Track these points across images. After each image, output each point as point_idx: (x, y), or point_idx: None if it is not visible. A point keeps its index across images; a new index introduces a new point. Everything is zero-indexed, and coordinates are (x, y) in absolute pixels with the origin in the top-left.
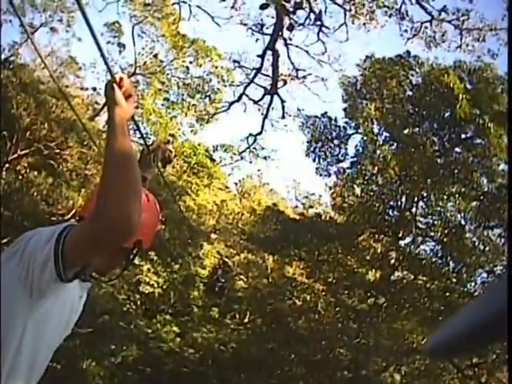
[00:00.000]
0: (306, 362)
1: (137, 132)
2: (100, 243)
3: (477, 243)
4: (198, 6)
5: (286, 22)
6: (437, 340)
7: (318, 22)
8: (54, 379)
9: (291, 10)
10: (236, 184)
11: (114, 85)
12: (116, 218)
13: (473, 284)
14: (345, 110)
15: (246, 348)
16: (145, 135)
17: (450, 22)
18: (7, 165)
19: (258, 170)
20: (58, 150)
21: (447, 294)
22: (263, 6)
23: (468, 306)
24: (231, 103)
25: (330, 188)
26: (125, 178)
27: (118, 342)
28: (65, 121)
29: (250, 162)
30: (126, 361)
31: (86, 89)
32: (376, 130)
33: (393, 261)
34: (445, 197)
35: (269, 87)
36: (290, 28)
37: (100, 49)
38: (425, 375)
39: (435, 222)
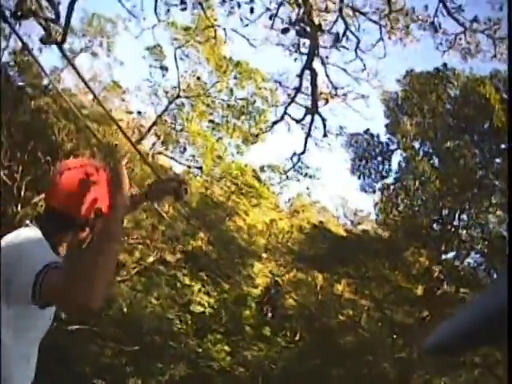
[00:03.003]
0: (354, 376)
1: (183, 154)
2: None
3: None
4: (233, 30)
5: (322, 40)
6: (437, 337)
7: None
8: None
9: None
10: (286, 202)
11: (123, 169)
12: (81, 303)
13: None
14: (387, 126)
15: (296, 365)
16: (191, 158)
17: (482, 31)
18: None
19: (307, 188)
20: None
21: None
22: (284, 31)
23: (468, 305)
24: (274, 123)
25: (376, 204)
26: (105, 269)
27: (166, 361)
28: (106, 145)
29: (298, 181)
30: (173, 379)
31: (131, 112)
32: (417, 145)
33: (436, 274)
34: (485, 209)
35: (310, 106)
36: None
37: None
38: None
39: (477, 235)
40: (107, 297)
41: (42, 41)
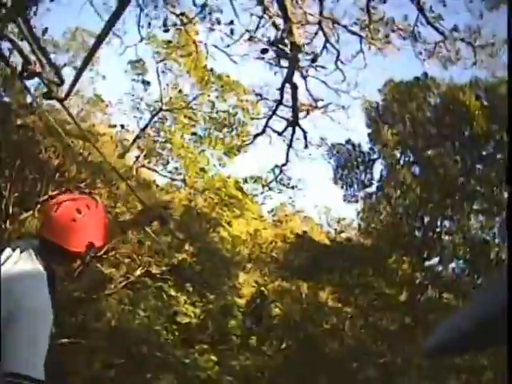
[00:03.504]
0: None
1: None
2: None
3: (503, 258)
4: (214, 46)
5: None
6: (437, 339)
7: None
8: None
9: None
10: (269, 212)
11: None
12: None
13: None
14: (369, 135)
15: (282, 373)
16: (174, 170)
17: (462, 39)
18: (38, 206)
19: (290, 198)
20: (87, 190)
21: None
22: (263, 51)
23: (468, 306)
24: (255, 136)
25: (359, 213)
26: None
27: (153, 372)
28: (92, 162)
29: (279, 192)
30: None
31: (114, 126)
32: (399, 154)
33: (420, 280)
34: (467, 215)
35: (291, 118)
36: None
37: None
38: None
39: (460, 241)
40: (95, 311)
41: (44, 96)
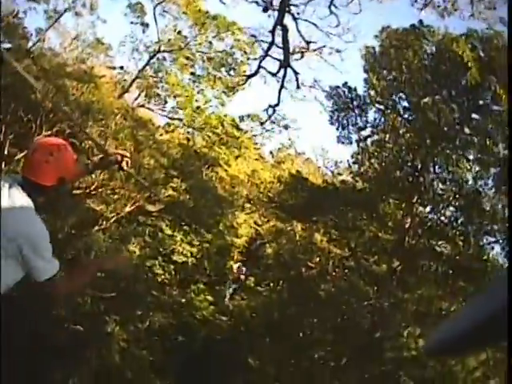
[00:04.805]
0: (332, 321)
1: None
2: None
3: (497, 209)
4: None
5: None
6: (437, 338)
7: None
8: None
9: None
10: (270, 153)
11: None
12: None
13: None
14: (365, 80)
15: (275, 314)
16: (171, 109)
17: None
18: None
19: (289, 140)
20: (79, 129)
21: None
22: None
23: (468, 306)
24: (249, 76)
25: (353, 156)
26: None
27: (145, 309)
28: (83, 102)
29: (273, 132)
30: (152, 326)
31: (114, 68)
32: (394, 99)
33: (410, 226)
34: (459, 162)
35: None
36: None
37: None
38: None
39: (453, 189)
40: (86, 245)
41: None
